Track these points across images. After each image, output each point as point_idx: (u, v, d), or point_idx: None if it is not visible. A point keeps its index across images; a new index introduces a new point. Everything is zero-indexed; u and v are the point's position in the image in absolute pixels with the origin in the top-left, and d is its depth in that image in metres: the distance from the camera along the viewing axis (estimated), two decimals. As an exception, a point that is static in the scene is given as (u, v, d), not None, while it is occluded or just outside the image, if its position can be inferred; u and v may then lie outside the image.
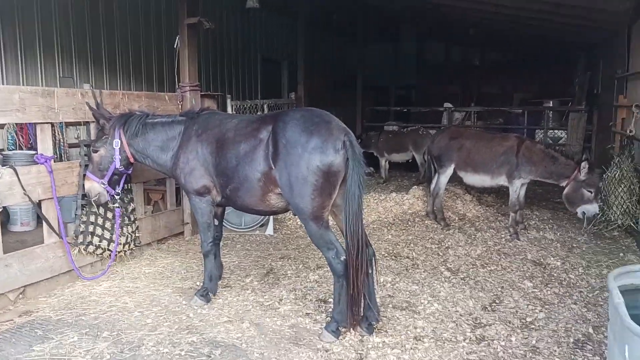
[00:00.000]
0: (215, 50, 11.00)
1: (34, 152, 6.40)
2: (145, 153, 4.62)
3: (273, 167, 3.87)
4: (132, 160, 4.69)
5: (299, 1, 10.86)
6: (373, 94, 15.57)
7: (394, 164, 11.50)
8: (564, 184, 6.24)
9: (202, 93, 6.68)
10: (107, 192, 4.72)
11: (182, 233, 6.63)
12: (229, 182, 4.17)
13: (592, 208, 6.00)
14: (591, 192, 5.97)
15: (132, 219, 5.48)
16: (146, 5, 9.44)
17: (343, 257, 3.80)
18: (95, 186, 4.66)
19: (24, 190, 4.44)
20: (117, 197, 4.85)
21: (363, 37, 14.61)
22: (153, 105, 5.93)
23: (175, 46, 6.42)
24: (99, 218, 5.06)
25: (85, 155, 5.02)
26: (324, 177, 3.69)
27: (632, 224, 5.78)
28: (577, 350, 3.70)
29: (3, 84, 7.06)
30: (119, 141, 4.56)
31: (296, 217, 7.37)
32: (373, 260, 4.04)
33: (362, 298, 3.87)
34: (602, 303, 4.50)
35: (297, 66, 11.24)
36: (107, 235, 5.11)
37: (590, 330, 3.98)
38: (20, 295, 4.61)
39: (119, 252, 5.27)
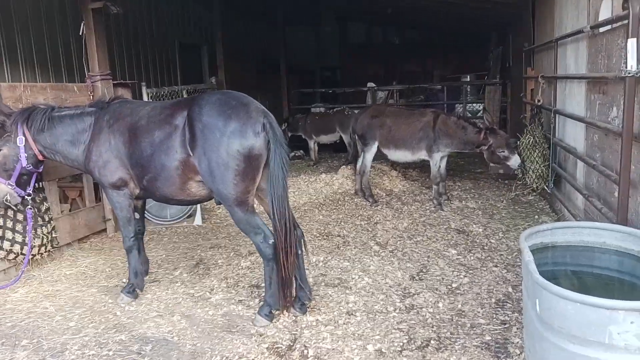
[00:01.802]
0: (129, 36, 10.46)
1: None
2: (54, 149, 4.32)
3: (191, 154, 3.75)
4: (40, 157, 4.36)
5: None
6: (298, 77, 15.51)
7: (322, 145, 11.56)
8: (477, 149, 6.62)
9: (115, 82, 6.34)
10: (17, 193, 4.38)
11: (104, 230, 6.33)
12: (145, 173, 4.00)
13: (513, 161, 6.41)
14: (504, 151, 6.35)
15: (47, 219, 5.15)
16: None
17: (271, 241, 3.78)
18: (2, 188, 4.30)
19: None
20: (28, 197, 4.52)
21: (284, 20, 14.46)
22: (61, 97, 5.55)
23: (80, 33, 6.02)
24: (8, 221, 4.70)
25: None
26: (246, 161, 3.63)
27: (545, 187, 6.16)
28: (499, 309, 3.92)
29: None
30: (23, 138, 4.23)
31: (221, 205, 7.28)
32: (302, 241, 4.05)
33: (293, 279, 3.87)
34: (520, 264, 4.77)
35: (216, 51, 10.92)
36: (19, 238, 4.77)
37: (510, 290, 4.22)
38: None
39: (34, 255, 4.94)
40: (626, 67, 3.23)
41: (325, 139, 11.18)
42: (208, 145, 3.62)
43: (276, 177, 3.68)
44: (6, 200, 4.36)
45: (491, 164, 8.36)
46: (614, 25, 3.84)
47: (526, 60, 8.04)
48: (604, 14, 4.27)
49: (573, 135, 5.46)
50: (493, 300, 4.08)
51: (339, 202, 7.45)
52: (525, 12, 8.17)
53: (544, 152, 6.24)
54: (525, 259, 2.84)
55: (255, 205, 3.94)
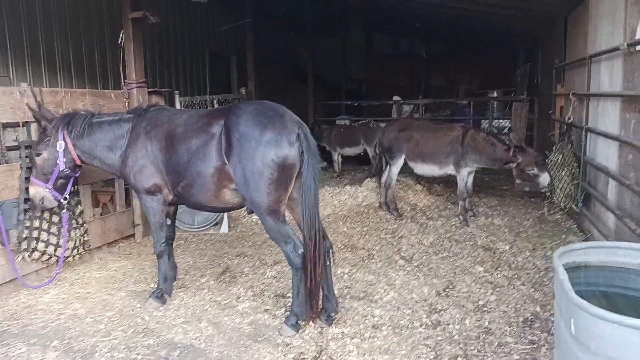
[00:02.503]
0: (162, 45, 10.71)
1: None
2: (93, 154, 4.44)
3: (227, 162, 3.81)
4: (78, 162, 4.49)
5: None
6: (324, 88, 15.61)
7: (346, 157, 11.60)
8: (506, 166, 6.54)
9: (150, 89, 6.49)
10: (54, 197, 4.49)
11: (133, 235, 6.44)
12: (180, 179, 4.08)
13: (543, 179, 6.30)
14: (533, 169, 6.27)
15: (80, 222, 5.26)
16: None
17: (301, 251, 3.81)
18: (39, 191, 4.43)
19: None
20: (64, 201, 4.64)
21: (312, 31, 14.61)
22: (98, 104, 5.72)
23: (119, 42, 6.21)
24: (43, 222, 4.82)
25: (26, 157, 4.78)
26: (280, 170, 3.67)
27: (573, 206, 6.07)
28: (527, 328, 3.87)
29: None
30: (63, 143, 4.36)
31: (251, 214, 7.35)
32: (330, 253, 4.06)
33: (320, 290, 3.89)
34: (547, 283, 4.71)
35: (247, 61, 11.10)
36: (53, 240, 4.88)
37: (538, 309, 4.16)
38: (-40, 308, 4.36)
39: (66, 257, 5.06)
40: (665, 88, 3.19)
41: (350, 151, 11.21)
42: (244, 153, 3.68)
43: (308, 188, 3.72)
44: (42, 203, 4.49)
45: (517, 181, 8.28)
46: (652, 44, 3.80)
47: (556, 76, 7.97)
48: (641, 32, 4.23)
49: (605, 154, 5.38)
50: (521, 319, 4.03)
51: (363, 215, 7.45)
52: (556, 28, 8.12)
53: (573, 170, 6.17)
54: (559, 278, 2.80)
55: (286, 215, 3.98)
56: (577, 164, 6.11)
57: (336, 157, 11.25)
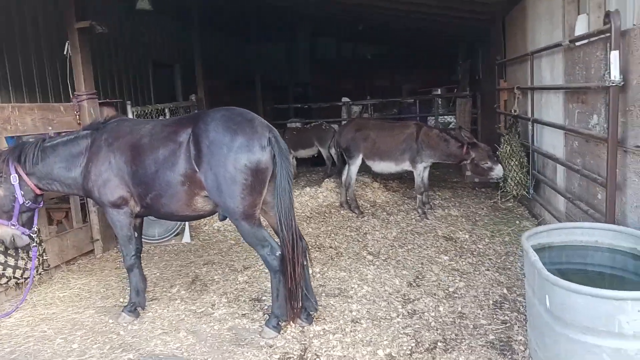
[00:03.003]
0: (103, 55, 10.38)
1: None
2: (51, 178, 4.28)
3: (197, 170, 3.79)
4: (37, 192, 4.31)
5: (192, 3, 10.57)
6: (272, 93, 15.63)
7: (300, 159, 11.67)
8: (460, 163, 6.84)
9: (101, 101, 6.31)
10: (22, 232, 4.29)
11: (92, 251, 6.22)
12: (149, 190, 4.01)
13: (497, 171, 6.67)
14: (487, 163, 6.60)
15: (38, 241, 5.04)
16: (33, 9, 8.67)
17: (278, 253, 3.84)
18: (7, 230, 4.23)
19: None
20: (34, 235, 4.46)
21: (257, 37, 14.64)
22: (48, 118, 5.49)
23: (65, 52, 5.98)
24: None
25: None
26: (253, 175, 3.70)
27: (525, 193, 6.43)
28: (497, 310, 4.08)
29: None
30: (16, 176, 4.17)
31: (213, 222, 7.28)
32: (307, 253, 4.12)
33: (300, 290, 3.94)
34: (509, 267, 4.98)
35: (193, 69, 10.95)
36: (11, 262, 4.65)
37: (505, 291, 4.40)
38: None
39: (25, 278, 4.82)
40: (610, 77, 3.47)
41: (304, 153, 11.29)
42: (215, 160, 3.68)
43: (283, 189, 3.76)
44: (13, 242, 4.29)
45: (467, 173, 8.66)
46: (592, 39, 4.12)
47: (498, 72, 8.39)
48: (580, 28, 4.58)
49: (551, 142, 5.75)
50: (490, 301, 4.25)
51: (326, 215, 7.55)
52: (495, 27, 8.56)
53: (522, 160, 6.53)
54: (531, 259, 3.00)
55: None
56: (525, 153, 6.47)
57: (291, 159, 11.29)
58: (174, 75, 13.70)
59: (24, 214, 4.30)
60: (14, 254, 4.69)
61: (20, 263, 4.70)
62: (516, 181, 6.39)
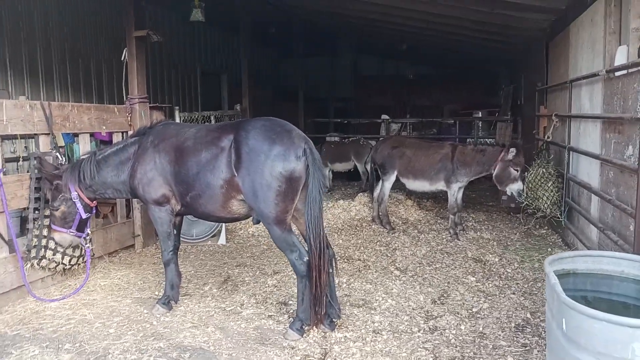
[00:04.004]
0: (155, 62, 10.93)
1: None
2: (105, 187, 4.66)
3: (236, 174, 4.01)
4: (92, 204, 4.74)
5: (240, 16, 11.01)
6: (313, 106, 15.95)
7: (336, 173, 11.86)
8: (493, 169, 6.82)
9: (151, 105, 6.69)
10: (78, 237, 4.74)
11: (132, 246, 6.57)
12: (189, 190, 4.27)
13: (518, 185, 6.67)
14: (517, 171, 6.63)
15: (90, 242, 5.39)
16: (94, 16, 9.31)
17: (306, 259, 4.01)
18: (65, 237, 4.69)
19: (-25, 204, 4.33)
20: (87, 237, 4.85)
21: (301, 51, 14.99)
22: (102, 118, 5.90)
23: (122, 58, 6.40)
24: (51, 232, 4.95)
25: (35, 168, 4.93)
26: (287, 182, 3.89)
27: (558, 214, 6.39)
28: (519, 333, 4.11)
29: None
30: (76, 193, 4.60)
31: (247, 226, 7.54)
32: (333, 261, 4.28)
33: (325, 296, 4.08)
34: (536, 292, 4.98)
35: (239, 79, 11.37)
36: (60, 248, 5.00)
37: (529, 316, 4.42)
38: (-31, 314, 4.45)
39: (72, 265, 5.18)
40: (643, 110, 3.51)
41: (340, 167, 11.48)
42: (253, 167, 3.90)
43: (314, 199, 3.93)
44: (72, 244, 4.80)
45: (503, 198, 8.63)
46: (630, 70, 4.15)
47: (539, 99, 8.37)
48: (620, 59, 4.60)
49: (587, 171, 5.72)
50: (513, 324, 4.27)
51: (357, 228, 7.69)
52: (538, 53, 8.56)
53: (558, 183, 6.50)
54: (551, 282, 3.06)
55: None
56: (560, 178, 6.45)
57: (327, 172, 11.51)
58: (220, 84, 14.23)
59: (81, 222, 4.71)
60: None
61: (69, 251, 5.04)
62: (551, 201, 6.36)
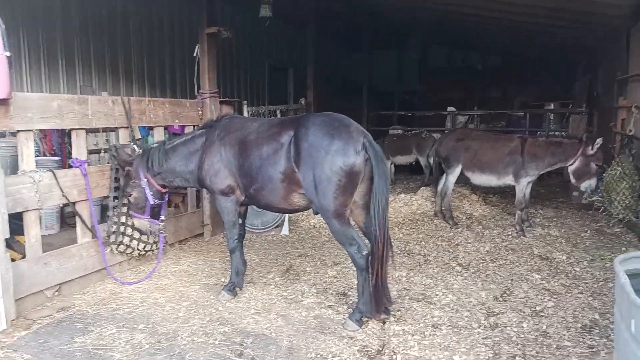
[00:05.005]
0: (225, 57, 11.32)
1: (57, 158, 6.71)
2: (174, 176, 4.90)
3: (296, 170, 4.13)
4: (162, 190, 4.99)
5: (308, 11, 11.16)
6: (378, 99, 15.88)
7: (398, 166, 11.78)
8: (570, 162, 6.54)
9: (221, 100, 6.97)
10: (154, 223, 5.03)
11: (201, 234, 6.90)
12: (252, 182, 4.43)
13: (594, 182, 6.43)
14: (598, 166, 6.36)
15: (164, 228, 5.72)
16: (169, 15, 9.84)
17: (365, 252, 4.07)
18: (143, 222, 4.99)
19: (63, 192, 4.73)
20: (162, 224, 5.15)
21: (369, 45, 14.95)
22: (175, 112, 6.23)
23: (194, 54, 6.71)
24: (129, 219, 5.31)
25: (113, 157, 5.31)
26: (347, 177, 3.96)
27: (633, 218, 6.05)
28: (585, 334, 3.97)
29: (28, 92, 7.36)
30: (145, 180, 4.86)
31: (309, 218, 7.70)
32: (391, 252, 4.33)
33: (386, 288, 4.13)
34: (606, 293, 4.76)
35: (304, 73, 11.55)
36: (136, 235, 5.36)
37: (597, 317, 4.24)
38: (56, 293, 4.87)
39: (146, 251, 5.54)
40: None
41: (402, 160, 11.40)
42: (313, 162, 4.00)
43: (380, 191, 3.97)
44: (150, 230, 5.07)
45: (574, 194, 8.26)
46: None
47: (618, 89, 7.90)
48: None
49: (669, 167, 5.37)
50: (579, 325, 4.12)
51: (418, 222, 7.64)
52: (619, 42, 8.07)
53: (633, 184, 6.14)
54: (620, 281, 2.94)
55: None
56: (637, 177, 6.08)
57: (389, 165, 11.46)
58: (287, 78, 14.49)
59: (154, 208, 5.00)
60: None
61: (144, 237, 5.40)
62: (624, 205, 6.02)
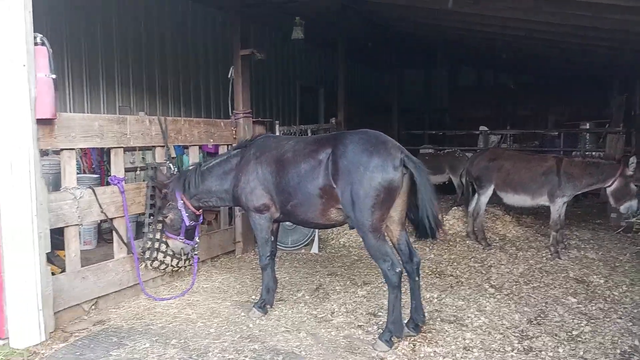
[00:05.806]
0: (258, 78, 11.57)
1: (96, 176, 6.94)
2: (210, 196, 5.03)
3: (335, 186, 4.19)
4: (197, 213, 5.12)
5: (338, 32, 11.32)
6: (407, 118, 15.86)
7: (430, 186, 11.66)
8: (609, 183, 6.42)
9: (254, 120, 7.11)
10: (188, 244, 5.17)
11: (233, 251, 6.99)
12: (290, 199, 4.51)
13: (635, 203, 6.29)
14: (638, 186, 6.20)
15: (198, 249, 5.84)
16: (203, 37, 10.16)
17: (398, 269, 4.07)
18: (177, 243, 5.13)
19: (101, 208, 4.90)
20: (196, 246, 5.29)
21: (397, 64, 15.00)
22: (210, 132, 6.38)
23: (229, 76, 6.89)
24: (163, 235, 5.44)
25: (150, 177, 5.47)
26: (385, 192, 4.01)
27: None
28: (625, 360, 3.85)
29: (71, 112, 7.68)
30: (182, 202, 5.00)
31: (339, 237, 7.71)
32: (418, 269, 4.37)
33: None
34: (648, 318, 4.61)
35: (335, 93, 11.67)
36: (170, 251, 5.48)
37: (637, 343, 4.11)
38: (93, 306, 5.00)
39: (180, 267, 5.65)
40: None
41: (434, 179, 11.23)
42: (352, 178, 4.05)
43: (429, 199, 4.12)
44: (183, 251, 5.23)
45: (612, 215, 8.04)
46: None
47: (657, 108, 7.71)
48: None
49: None
50: (618, 351, 4.00)
51: (451, 243, 7.55)
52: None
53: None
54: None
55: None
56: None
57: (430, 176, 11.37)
58: (317, 98, 14.68)
59: (188, 230, 5.12)
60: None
61: (177, 255, 5.51)
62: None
